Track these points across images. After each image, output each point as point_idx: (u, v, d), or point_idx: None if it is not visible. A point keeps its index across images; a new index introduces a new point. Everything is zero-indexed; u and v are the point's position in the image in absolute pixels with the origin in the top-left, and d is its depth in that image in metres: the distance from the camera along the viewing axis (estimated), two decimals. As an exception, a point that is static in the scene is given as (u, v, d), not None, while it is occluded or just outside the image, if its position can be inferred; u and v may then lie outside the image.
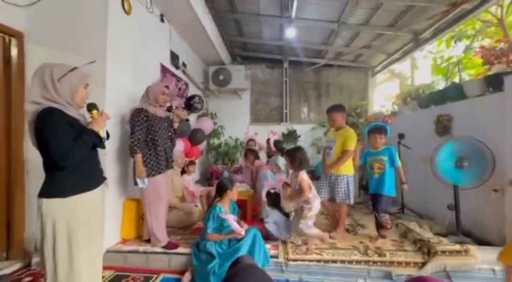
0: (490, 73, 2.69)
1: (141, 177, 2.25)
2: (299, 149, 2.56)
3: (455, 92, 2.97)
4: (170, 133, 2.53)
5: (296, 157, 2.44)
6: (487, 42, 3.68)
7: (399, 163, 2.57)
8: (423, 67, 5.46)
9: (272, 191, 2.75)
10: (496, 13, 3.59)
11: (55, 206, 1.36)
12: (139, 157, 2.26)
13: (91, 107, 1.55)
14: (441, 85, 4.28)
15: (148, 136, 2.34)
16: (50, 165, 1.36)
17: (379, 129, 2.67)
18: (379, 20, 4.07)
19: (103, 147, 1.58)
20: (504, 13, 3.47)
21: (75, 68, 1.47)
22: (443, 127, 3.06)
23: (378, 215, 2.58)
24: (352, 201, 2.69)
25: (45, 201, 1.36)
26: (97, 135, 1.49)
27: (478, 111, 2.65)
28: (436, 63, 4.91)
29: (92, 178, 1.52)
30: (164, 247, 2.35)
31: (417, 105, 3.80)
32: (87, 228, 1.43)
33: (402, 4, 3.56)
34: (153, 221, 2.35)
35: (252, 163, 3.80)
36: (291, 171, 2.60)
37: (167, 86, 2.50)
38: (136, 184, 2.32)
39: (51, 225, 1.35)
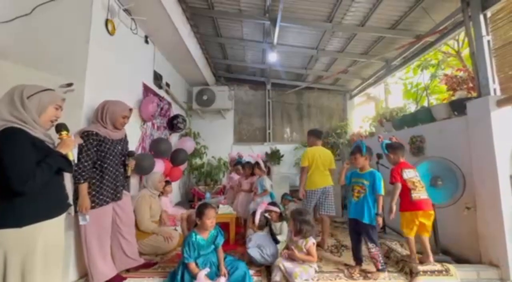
0: (454, 98, 2.94)
1: (83, 213, 1.91)
2: (302, 213, 2.26)
3: (425, 115, 3.19)
4: (123, 158, 2.26)
5: (303, 223, 2.18)
6: (449, 70, 4.08)
7: (381, 191, 2.24)
8: (395, 92, 5.88)
9: (266, 213, 2.71)
10: (454, 46, 4.03)
11: (7, 237, 1.18)
12: (83, 187, 1.95)
13: (60, 127, 1.45)
14: (412, 108, 4.60)
15: (97, 162, 2.06)
16: (4, 190, 1.21)
17: (353, 150, 2.49)
18: (354, 48, 4.41)
19: (71, 170, 1.45)
20: (460, 46, 3.90)
21: (49, 89, 1.41)
22: (417, 147, 3.24)
23: (367, 246, 2.28)
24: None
25: None
26: (64, 158, 1.38)
27: (446, 133, 2.84)
28: (406, 88, 5.31)
29: (53, 205, 1.37)
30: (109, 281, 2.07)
31: (392, 127, 4.03)
32: (45, 262, 1.26)
33: (373, 35, 3.90)
34: (96, 254, 2.02)
35: (250, 175, 3.74)
36: (291, 234, 2.29)
37: (131, 110, 2.26)
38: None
39: (2, 260, 1.17)
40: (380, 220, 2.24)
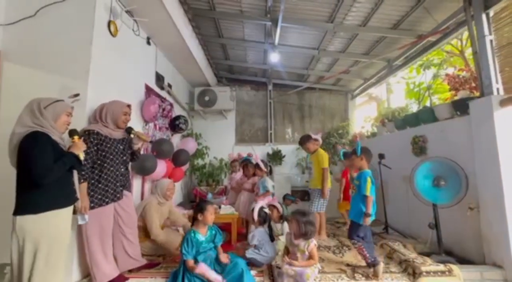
0: (456, 98, 2.92)
1: (81, 213, 1.86)
2: (305, 214, 2.14)
3: (427, 115, 3.18)
4: (125, 158, 2.26)
5: (308, 224, 2.07)
6: (452, 70, 4.06)
7: (365, 192, 2.26)
8: (397, 91, 5.85)
9: (265, 209, 2.74)
10: (457, 45, 4.01)
11: (25, 222, 1.44)
12: (83, 187, 1.94)
13: (73, 133, 1.73)
14: (414, 108, 4.58)
15: (97, 162, 2.07)
16: (25, 184, 1.47)
17: (344, 156, 2.63)
18: (355, 49, 4.40)
19: (80, 169, 1.73)
20: (464, 46, 3.88)
21: (60, 100, 1.70)
22: (419, 147, 3.22)
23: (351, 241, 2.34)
24: (324, 209, 3.31)
25: (18, 218, 1.45)
26: (76, 158, 1.65)
27: (449, 133, 2.83)
28: (408, 88, 5.29)
29: (63, 197, 1.61)
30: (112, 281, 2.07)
31: (394, 127, 4.01)
32: (50, 251, 1.49)
33: (375, 35, 3.89)
34: (98, 254, 2.02)
35: (252, 175, 3.73)
36: (292, 237, 2.17)
37: (129, 106, 2.29)
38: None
39: (21, 242, 1.44)
40: (367, 219, 2.26)
